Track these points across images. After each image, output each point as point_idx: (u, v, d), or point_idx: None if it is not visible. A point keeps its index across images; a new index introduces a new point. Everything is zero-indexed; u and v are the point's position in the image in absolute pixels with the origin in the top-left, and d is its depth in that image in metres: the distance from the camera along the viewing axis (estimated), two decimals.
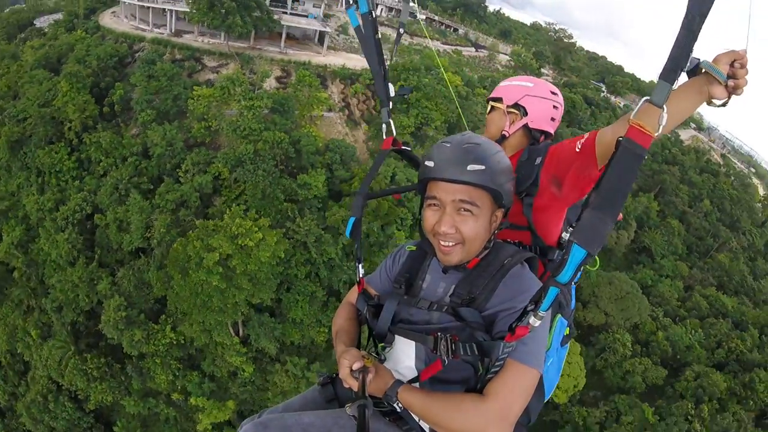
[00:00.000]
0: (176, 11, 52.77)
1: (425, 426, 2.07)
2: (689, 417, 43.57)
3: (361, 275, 2.43)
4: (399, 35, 3.10)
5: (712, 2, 1.40)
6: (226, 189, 40.56)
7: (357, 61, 54.21)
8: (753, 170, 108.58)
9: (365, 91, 51.08)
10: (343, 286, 40.25)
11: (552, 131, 2.97)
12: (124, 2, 56.72)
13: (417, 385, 2.04)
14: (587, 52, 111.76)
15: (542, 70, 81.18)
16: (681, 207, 71.85)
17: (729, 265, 66.31)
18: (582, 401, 45.10)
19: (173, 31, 53.27)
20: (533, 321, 1.63)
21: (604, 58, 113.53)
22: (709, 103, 1.80)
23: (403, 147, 2.65)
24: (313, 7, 60.04)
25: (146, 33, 52.35)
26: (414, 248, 2.39)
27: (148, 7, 53.91)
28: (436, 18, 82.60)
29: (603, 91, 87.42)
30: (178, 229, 37.38)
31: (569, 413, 43.29)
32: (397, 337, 2.15)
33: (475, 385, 1.93)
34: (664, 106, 1.46)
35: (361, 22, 2.38)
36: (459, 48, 72.95)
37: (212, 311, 34.43)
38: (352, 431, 2.01)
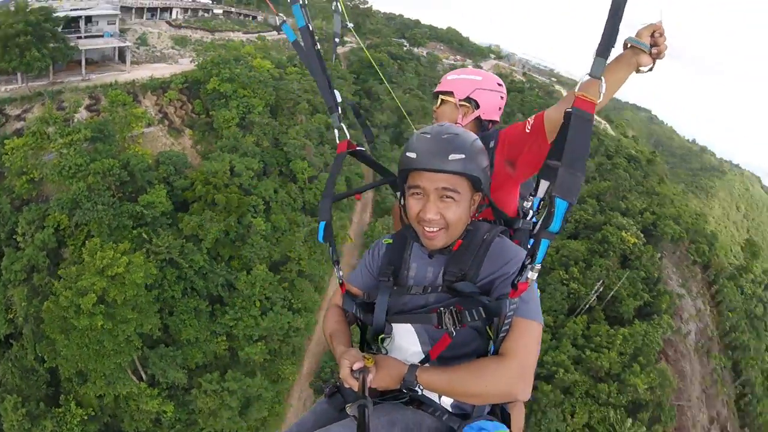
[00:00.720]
0: None
1: (446, 404, 2.13)
2: (564, 281, 50.13)
3: (340, 277, 2.48)
4: (335, 44, 3.29)
5: None
6: (70, 238, 37.85)
7: (164, 70, 52.57)
8: (554, 80, 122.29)
9: (180, 97, 49.94)
10: (222, 290, 40.07)
11: (498, 119, 3.15)
12: None
13: (428, 365, 2.08)
14: (384, 13, 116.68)
15: (345, 38, 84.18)
16: (496, 127, 79.04)
17: None
18: None
19: None
20: (531, 275, 1.75)
21: (401, 16, 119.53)
22: (638, 71, 2.07)
23: (358, 148, 2.68)
24: (108, 24, 56.40)
25: None
26: (390, 241, 2.44)
27: None
28: (233, 10, 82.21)
29: (405, 46, 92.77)
30: (38, 297, 34.38)
31: None
32: (395, 328, 2.22)
33: (485, 353, 2.03)
34: (602, 77, 1.70)
35: (299, 35, 2.45)
36: (262, 34, 73.70)
37: (108, 356, 32.65)
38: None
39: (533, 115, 2.64)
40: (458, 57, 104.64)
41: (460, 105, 3.04)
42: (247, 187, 44.14)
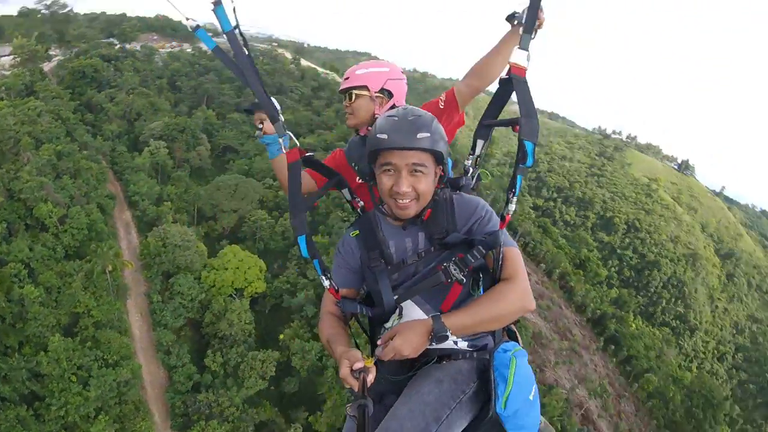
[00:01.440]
0: None
1: (464, 347, 2.31)
2: None
3: (332, 284, 2.46)
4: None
5: None
6: None
7: None
8: (275, 44, 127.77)
9: None
10: (31, 384, 34.85)
11: (404, 103, 3.22)
12: None
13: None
14: (84, 15, 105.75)
15: (50, 52, 75.86)
16: (232, 101, 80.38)
17: (294, 117, 77.84)
18: (276, 275, 51.11)
19: None
20: (512, 207, 2.13)
21: (103, 13, 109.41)
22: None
23: (308, 154, 2.74)
24: None
25: None
26: (357, 232, 2.52)
27: None
28: None
29: (116, 44, 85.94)
30: None
31: (277, 288, 49.99)
32: (403, 305, 2.36)
33: (491, 284, 2.24)
34: (528, 49, 2.19)
35: (226, 39, 2.19)
36: None
37: None
38: None
39: (444, 92, 3.02)
40: (174, 43, 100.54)
41: (376, 97, 3.11)
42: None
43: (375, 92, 3.06)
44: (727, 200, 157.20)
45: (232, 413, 39.02)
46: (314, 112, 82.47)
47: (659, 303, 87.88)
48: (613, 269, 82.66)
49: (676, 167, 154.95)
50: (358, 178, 3.13)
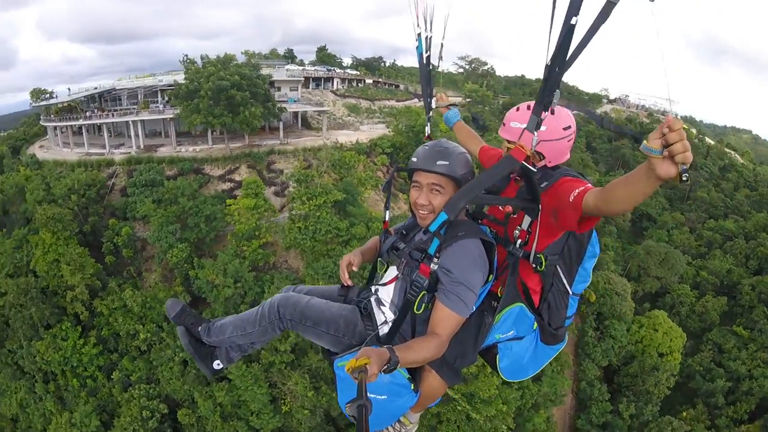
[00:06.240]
0: (142, 121, 44.41)
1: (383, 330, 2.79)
2: None
3: (386, 219, 3.18)
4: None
5: (560, 78, 1.98)
6: None
7: (351, 136, 49.42)
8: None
9: (384, 161, 45.92)
10: None
11: (568, 158, 2.96)
12: (72, 126, 45.83)
13: (392, 285, 2.81)
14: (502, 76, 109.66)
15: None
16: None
17: (708, 197, 70.70)
18: (686, 354, 46.59)
19: (142, 147, 43.23)
20: (433, 265, 2.49)
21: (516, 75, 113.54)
22: (669, 180, 1.72)
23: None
24: (290, 90, 54.18)
25: (110, 155, 42.00)
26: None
27: (100, 126, 45.00)
28: (381, 80, 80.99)
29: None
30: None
31: (689, 366, 45.44)
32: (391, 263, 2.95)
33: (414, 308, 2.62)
34: (535, 132, 2.18)
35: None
36: (413, 101, 72.17)
37: None
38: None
39: (582, 188, 2.41)
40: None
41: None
42: None
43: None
44: None
45: None
46: (724, 194, 74.03)
47: None
48: None
49: None
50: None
